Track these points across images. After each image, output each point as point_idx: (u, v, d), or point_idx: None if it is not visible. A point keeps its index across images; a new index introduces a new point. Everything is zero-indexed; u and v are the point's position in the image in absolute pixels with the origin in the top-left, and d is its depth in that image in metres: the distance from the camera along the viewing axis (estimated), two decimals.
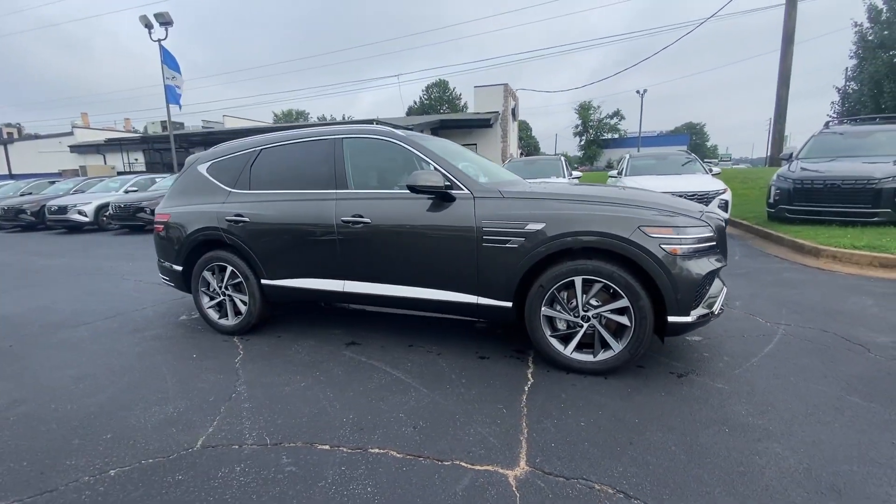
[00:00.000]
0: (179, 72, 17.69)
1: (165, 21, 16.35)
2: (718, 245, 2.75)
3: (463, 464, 1.99)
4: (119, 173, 24.72)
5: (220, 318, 3.81)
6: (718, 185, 7.69)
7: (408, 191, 3.03)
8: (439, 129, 25.22)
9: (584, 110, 57.81)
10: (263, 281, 3.56)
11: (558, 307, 2.79)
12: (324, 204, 3.32)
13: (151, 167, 27.22)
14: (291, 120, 61.67)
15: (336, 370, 3.01)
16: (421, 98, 57.13)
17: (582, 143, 62.38)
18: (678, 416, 2.30)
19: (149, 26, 16.51)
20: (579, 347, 2.80)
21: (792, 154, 8.46)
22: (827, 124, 8.87)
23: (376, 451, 2.11)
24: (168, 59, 17.11)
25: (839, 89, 16.10)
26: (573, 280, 2.69)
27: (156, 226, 4.08)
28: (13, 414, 2.58)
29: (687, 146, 48.83)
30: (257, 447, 2.17)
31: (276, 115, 63.25)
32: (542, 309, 2.79)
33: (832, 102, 16.67)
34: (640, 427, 2.21)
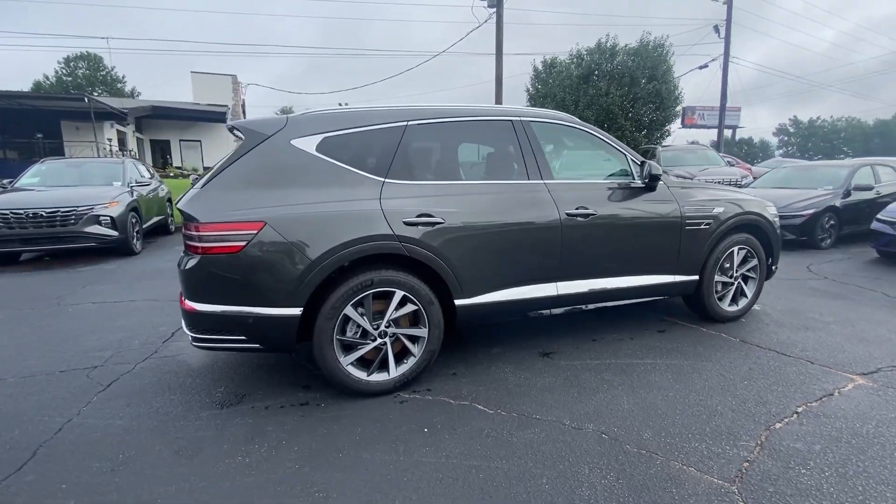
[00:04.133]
0: None
1: None
2: None
3: (843, 389, 2.54)
4: None
5: (370, 375, 2.52)
6: None
7: (607, 179, 3.10)
8: (151, 117, 19.45)
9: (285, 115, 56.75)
10: (459, 301, 2.65)
11: (720, 273, 3.56)
12: (537, 196, 2.84)
13: None
14: None
15: (608, 377, 2.76)
16: (58, 72, 41.40)
17: None
18: (819, 328, 3.52)
19: None
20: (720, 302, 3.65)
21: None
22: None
23: (800, 410, 2.35)
24: None
25: None
26: (732, 250, 3.52)
27: (217, 246, 2.20)
28: None
29: None
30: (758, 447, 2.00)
31: None
32: (715, 276, 3.49)
33: None
34: (832, 339, 3.30)
